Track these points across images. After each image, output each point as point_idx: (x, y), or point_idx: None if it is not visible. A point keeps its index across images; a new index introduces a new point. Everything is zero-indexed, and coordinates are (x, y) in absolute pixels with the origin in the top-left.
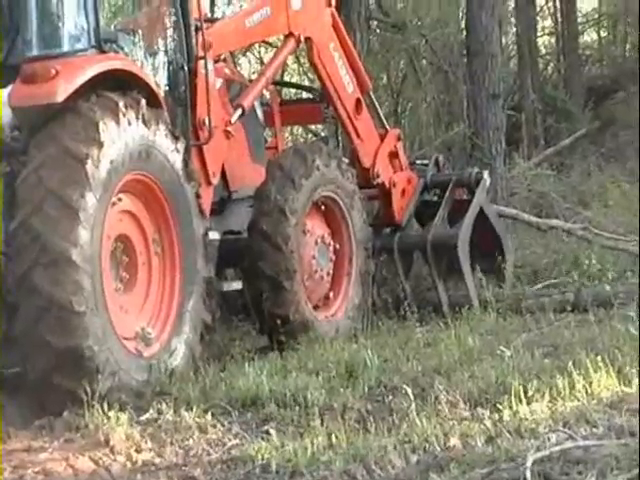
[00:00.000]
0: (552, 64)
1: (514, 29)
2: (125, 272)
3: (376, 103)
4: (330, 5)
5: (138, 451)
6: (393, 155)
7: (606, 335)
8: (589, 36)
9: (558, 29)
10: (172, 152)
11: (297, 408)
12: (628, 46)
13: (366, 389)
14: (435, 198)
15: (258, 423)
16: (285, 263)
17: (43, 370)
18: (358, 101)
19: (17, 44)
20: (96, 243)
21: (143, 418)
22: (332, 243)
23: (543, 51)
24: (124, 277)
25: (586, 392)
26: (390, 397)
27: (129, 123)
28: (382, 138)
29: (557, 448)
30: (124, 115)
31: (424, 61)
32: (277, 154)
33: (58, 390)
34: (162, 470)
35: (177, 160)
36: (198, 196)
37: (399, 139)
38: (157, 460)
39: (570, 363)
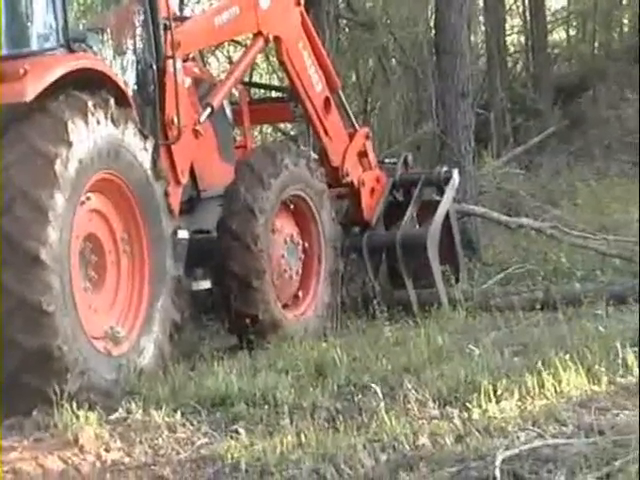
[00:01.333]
0: (521, 62)
1: (483, 28)
2: (94, 271)
3: (345, 102)
4: (299, 4)
5: (107, 450)
6: (362, 154)
7: (575, 334)
8: (558, 34)
9: (527, 27)
10: (141, 151)
11: (266, 407)
12: (597, 44)
13: (335, 388)
14: (402, 198)
15: (227, 422)
16: (254, 262)
17: (12, 369)
18: (327, 100)
19: None
20: (65, 243)
21: (112, 417)
22: (301, 242)
23: (512, 49)
24: (93, 276)
25: (555, 391)
26: (359, 396)
27: (98, 122)
28: (351, 137)
29: (526, 447)
30: (93, 114)
31: (393, 60)
32: (246, 153)
33: (27, 389)
34: (131, 469)
35: (146, 159)
36: (167, 195)
37: (368, 138)
38: (126, 459)
39: (539, 362)
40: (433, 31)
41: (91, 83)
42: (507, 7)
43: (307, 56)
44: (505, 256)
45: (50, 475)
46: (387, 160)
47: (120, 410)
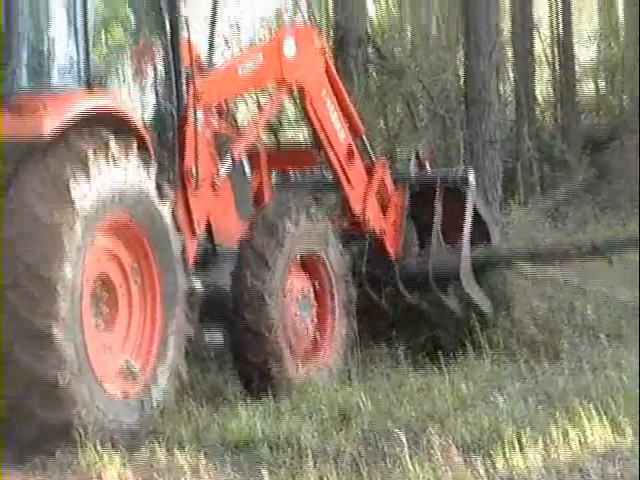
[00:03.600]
0: (549, 112)
1: (512, 76)
2: (106, 323)
3: (367, 144)
4: (324, 53)
5: None
6: (382, 185)
7: (600, 384)
8: (586, 85)
9: (556, 78)
10: (159, 199)
11: (290, 451)
12: (625, 96)
13: (359, 433)
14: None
15: (251, 465)
16: (271, 346)
17: (32, 439)
18: (350, 148)
19: (6, 75)
20: (76, 307)
21: (136, 458)
22: (311, 289)
23: (540, 99)
24: (106, 326)
25: (579, 441)
26: (383, 442)
27: (107, 164)
28: (369, 171)
29: None
30: (103, 156)
31: (421, 107)
32: (263, 204)
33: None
34: None
35: (164, 208)
36: (184, 253)
37: (385, 168)
38: None
39: (563, 412)
40: (462, 79)
41: (111, 123)
42: (536, 57)
43: (330, 104)
44: (531, 305)
45: None
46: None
47: (143, 450)
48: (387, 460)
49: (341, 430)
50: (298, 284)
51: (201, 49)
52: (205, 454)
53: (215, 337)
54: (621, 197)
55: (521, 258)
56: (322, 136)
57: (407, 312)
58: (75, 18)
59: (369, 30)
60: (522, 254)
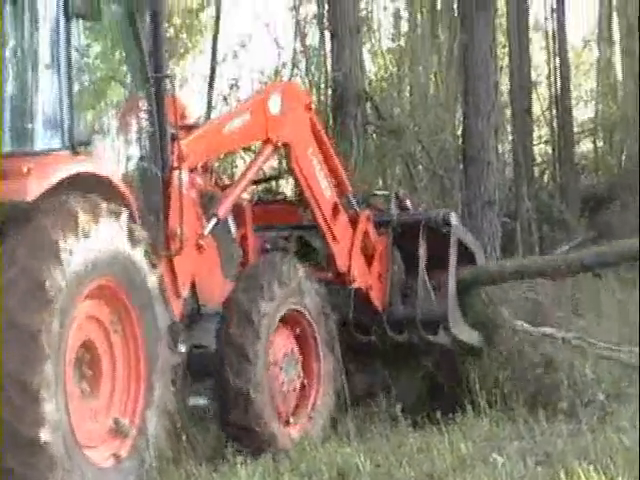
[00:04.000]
0: (548, 172)
1: (510, 137)
2: (90, 387)
3: (352, 200)
4: (309, 110)
5: None
6: (366, 236)
7: (599, 445)
8: (585, 145)
9: (554, 138)
10: (149, 266)
11: None
12: (624, 156)
13: None
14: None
15: None
16: (257, 407)
17: None
18: (335, 205)
19: None
20: (61, 368)
21: (192, 401)
22: (295, 344)
23: (539, 159)
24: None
25: None
26: None
27: (96, 228)
28: (353, 222)
29: None
30: (92, 220)
31: (420, 167)
32: (248, 263)
33: None
34: None
35: (149, 272)
36: (171, 317)
37: (369, 220)
38: None
39: (562, 472)
40: (460, 139)
41: (94, 188)
42: (535, 117)
43: (317, 162)
44: (529, 365)
45: None
46: (378, 192)
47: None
48: None
49: None
50: (282, 341)
51: (197, 108)
52: None
53: (199, 400)
54: None
55: (511, 277)
56: (308, 193)
57: (398, 350)
58: (60, 81)
59: (367, 88)
60: (511, 272)
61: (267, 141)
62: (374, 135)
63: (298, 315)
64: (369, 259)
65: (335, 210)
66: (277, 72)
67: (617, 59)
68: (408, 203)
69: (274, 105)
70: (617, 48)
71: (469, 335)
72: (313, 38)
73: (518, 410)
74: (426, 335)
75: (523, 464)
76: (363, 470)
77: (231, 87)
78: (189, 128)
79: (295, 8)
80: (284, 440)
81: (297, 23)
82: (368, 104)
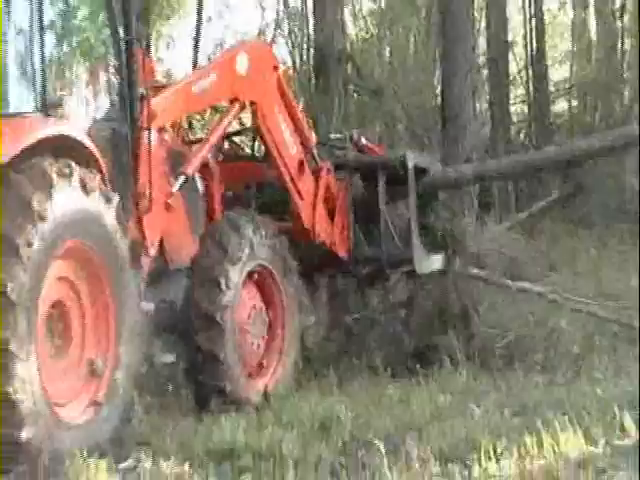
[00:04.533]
0: (524, 131)
1: (488, 97)
2: (60, 339)
3: (315, 153)
4: (276, 69)
5: None
6: (327, 189)
7: (574, 396)
8: (560, 105)
9: (530, 98)
10: (111, 220)
11: (272, 460)
12: (597, 115)
13: (339, 443)
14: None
15: (234, 474)
16: (225, 366)
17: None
18: (301, 161)
19: None
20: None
21: (122, 466)
22: (262, 303)
23: (515, 119)
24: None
25: (554, 451)
26: (363, 452)
27: (69, 190)
28: (316, 175)
29: None
30: (65, 182)
31: (400, 126)
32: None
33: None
34: None
35: (120, 234)
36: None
37: (330, 172)
38: None
39: (538, 422)
40: (439, 99)
41: (66, 149)
42: (511, 77)
43: (282, 120)
44: (506, 319)
45: None
46: (332, 136)
47: (130, 460)
48: (366, 470)
49: (322, 441)
50: (248, 298)
51: (183, 68)
52: (190, 464)
53: (167, 357)
54: (595, 215)
55: (470, 180)
56: (274, 151)
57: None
58: (32, 44)
59: (348, 49)
60: (470, 176)
61: (234, 100)
62: (355, 94)
63: (263, 270)
64: (331, 212)
65: (300, 167)
66: (260, 33)
67: (591, 21)
68: (364, 141)
69: (241, 65)
70: (591, 10)
71: (431, 264)
72: None
73: (495, 363)
74: (390, 270)
75: (500, 415)
76: (344, 420)
77: (216, 47)
78: (158, 88)
79: None
80: (253, 395)
81: None
82: (349, 64)
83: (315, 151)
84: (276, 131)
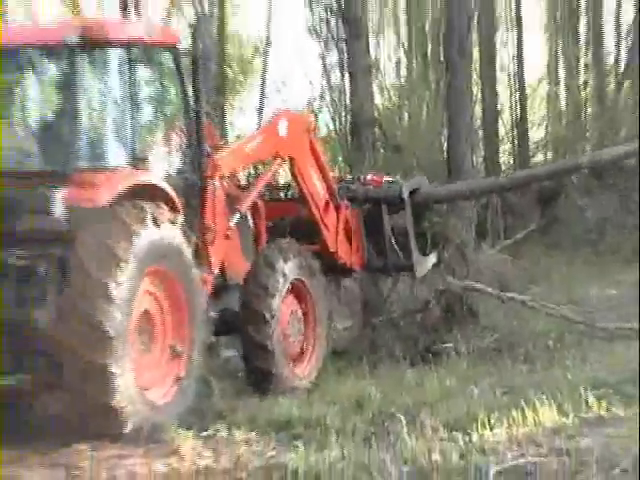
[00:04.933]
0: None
1: (482, 152)
2: (148, 340)
3: (335, 192)
4: (308, 132)
5: (200, 458)
6: (345, 220)
7: (550, 380)
8: (538, 157)
9: (515, 152)
10: (190, 254)
11: (318, 429)
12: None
13: (370, 416)
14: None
15: (290, 440)
16: (272, 355)
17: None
18: (326, 202)
19: (69, 157)
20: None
21: (204, 434)
22: (299, 308)
23: (503, 167)
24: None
25: (534, 422)
26: (388, 422)
27: (157, 231)
28: (337, 210)
29: (512, 463)
30: (150, 219)
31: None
32: (261, 248)
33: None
34: (218, 473)
35: (191, 259)
36: (203, 282)
37: (347, 208)
38: (214, 465)
39: (522, 400)
40: (445, 155)
41: (151, 194)
42: (500, 137)
43: (313, 171)
44: (497, 321)
45: (157, 477)
46: (347, 177)
47: (210, 430)
48: (391, 436)
49: (357, 414)
50: (290, 306)
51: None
52: (256, 432)
53: (229, 352)
54: (565, 240)
55: (457, 197)
56: (306, 194)
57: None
58: (124, 113)
59: (376, 115)
60: (461, 193)
61: (276, 156)
62: (382, 150)
63: (299, 283)
64: (349, 238)
65: (326, 205)
66: (309, 103)
67: (562, 93)
68: (369, 177)
69: (282, 129)
70: (562, 84)
71: (428, 265)
72: (336, 77)
73: (488, 355)
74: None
75: (493, 395)
76: (374, 398)
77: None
78: (219, 147)
79: (323, 55)
80: (296, 379)
81: (324, 66)
82: (377, 127)
83: (336, 191)
84: (308, 180)
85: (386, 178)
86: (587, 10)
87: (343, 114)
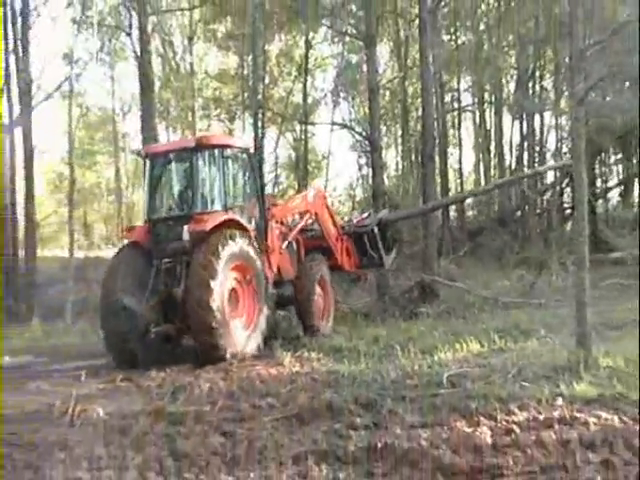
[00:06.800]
0: (456, 219)
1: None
2: (235, 305)
3: (341, 232)
4: (325, 199)
5: (293, 366)
6: (346, 245)
7: (475, 328)
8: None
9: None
10: (258, 258)
11: (355, 353)
12: (495, 207)
13: (382, 344)
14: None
15: (339, 358)
16: (313, 313)
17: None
18: (337, 237)
19: (192, 206)
20: (224, 295)
21: (296, 355)
22: (321, 289)
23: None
24: (235, 307)
25: (466, 350)
26: (390, 348)
27: (237, 244)
28: (341, 240)
29: (456, 371)
30: (236, 240)
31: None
32: (302, 263)
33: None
34: (303, 375)
35: (259, 261)
36: (266, 278)
37: (348, 240)
38: (301, 370)
39: (460, 339)
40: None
41: (236, 227)
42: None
43: (328, 220)
44: (448, 297)
45: (269, 376)
46: (345, 220)
47: (298, 352)
48: (392, 355)
49: (374, 344)
50: (318, 288)
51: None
52: (322, 353)
53: (282, 312)
54: (485, 256)
55: (410, 216)
56: (325, 232)
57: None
58: (221, 184)
59: (385, 189)
60: (402, 216)
61: (307, 211)
62: (387, 206)
63: (321, 278)
64: (348, 254)
65: (337, 239)
66: (351, 186)
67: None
68: (354, 220)
69: (310, 196)
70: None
71: (390, 260)
72: (365, 170)
73: (443, 315)
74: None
75: (446, 335)
76: (383, 336)
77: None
78: (275, 204)
79: (358, 159)
80: (322, 327)
81: (359, 165)
82: (386, 196)
83: (340, 230)
84: (325, 225)
85: (364, 216)
86: None
87: (367, 190)
